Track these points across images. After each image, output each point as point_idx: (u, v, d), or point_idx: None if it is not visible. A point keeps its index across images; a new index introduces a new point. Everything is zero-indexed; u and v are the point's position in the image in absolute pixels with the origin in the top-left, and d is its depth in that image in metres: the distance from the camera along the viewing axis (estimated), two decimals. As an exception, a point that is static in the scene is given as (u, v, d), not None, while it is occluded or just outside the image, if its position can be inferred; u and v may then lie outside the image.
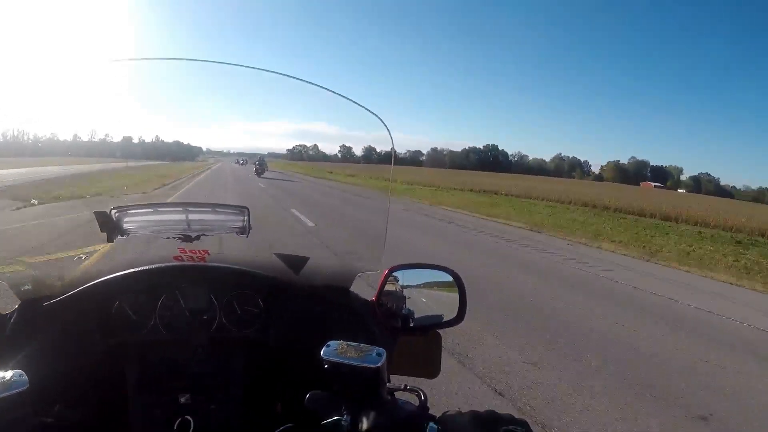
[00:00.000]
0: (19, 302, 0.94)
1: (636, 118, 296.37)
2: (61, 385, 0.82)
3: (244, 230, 1.21)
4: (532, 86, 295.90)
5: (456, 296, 1.03)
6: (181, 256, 1.06)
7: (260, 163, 5.34)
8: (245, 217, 1.21)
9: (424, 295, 1.07)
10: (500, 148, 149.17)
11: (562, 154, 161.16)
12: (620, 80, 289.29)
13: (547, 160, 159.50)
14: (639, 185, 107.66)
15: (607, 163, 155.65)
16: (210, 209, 1.26)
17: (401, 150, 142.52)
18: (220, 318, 0.98)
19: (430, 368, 1.11)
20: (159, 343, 0.95)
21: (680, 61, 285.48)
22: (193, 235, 1.14)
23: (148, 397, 0.91)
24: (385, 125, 1.21)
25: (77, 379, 0.88)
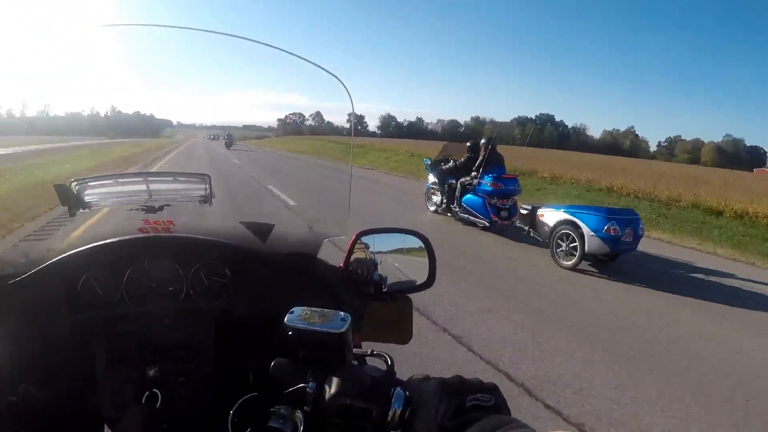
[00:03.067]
0: None
1: (700, 89, 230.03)
2: (27, 364, 0.82)
3: (206, 199, 1.20)
4: (590, 49, 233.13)
5: (425, 260, 1.03)
6: (146, 228, 1.05)
7: (228, 137, 7.25)
8: (207, 185, 1.20)
9: (395, 260, 1.07)
10: (557, 118, 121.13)
11: (619, 129, 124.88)
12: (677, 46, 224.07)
13: (596, 135, 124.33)
14: (752, 171, 63.48)
15: (709, 142, 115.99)
16: (171, 178, 1.25)
17: (431, 120, 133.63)
18: (187, 289, 0.98)
19: (402, 334, 1.12)
20: (126, 317, 0.94)
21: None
22: (157, 205, 1.12)
23: (116, 372, 0.90)
24: (346, 88, 1.18)
25: (44, 357, 0.87)
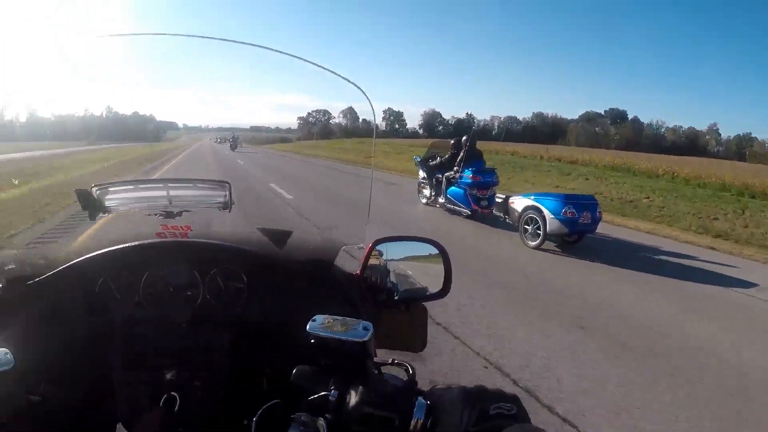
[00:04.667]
0: (2, 282, 0.94)
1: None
2: (46, 364, 0.83)
3: (226, 205, 1.22)
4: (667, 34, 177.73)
5: (440, 268, 1.03)
6: (163, 233, 1.07)
7: (233, 140, 8.05)
8: (226, 192, 1.22)
9: (408, 267, 1.08)
10: (630, 114, 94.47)
11: (694, 127, 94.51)
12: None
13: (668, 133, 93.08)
14: None
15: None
16: (191, 185, 1.27)
17: (484, 117, 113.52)
18: (204, 294, 0.99)
19: (416, 342, 1.13)
20: (143, 320, 0.96)
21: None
22: (176, 211, 1.14)
23: (134, 374, 0.92)
24: (365, 94, 1.19)
25: (63, 357, 0.88)
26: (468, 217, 8.10)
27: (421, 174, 9.49)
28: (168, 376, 0.90)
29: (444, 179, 8.53)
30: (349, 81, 1.16)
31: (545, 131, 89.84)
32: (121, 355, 0.93)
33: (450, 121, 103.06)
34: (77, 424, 0.87)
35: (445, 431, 0.56)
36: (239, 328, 0.98)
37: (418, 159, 9.79)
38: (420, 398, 0.60)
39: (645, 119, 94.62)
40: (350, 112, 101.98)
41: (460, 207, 8.18)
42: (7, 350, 0.67)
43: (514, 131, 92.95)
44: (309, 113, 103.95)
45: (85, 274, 0.95)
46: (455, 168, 8.31)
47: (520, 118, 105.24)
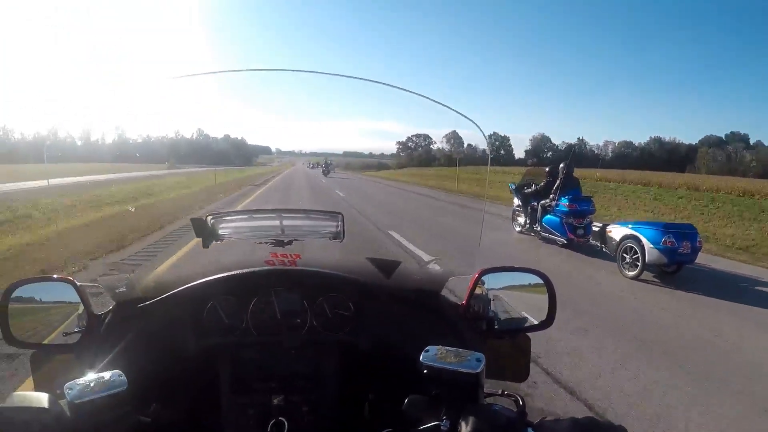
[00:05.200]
0: (114, 304, 0.96)
1: None
2: (157, 385, 0.85)
3: (338, 235, 1.24)
4: None
5: (543, 298, 1.03)
6: (272, 260, 1.08)
7: (326, 165, 8.50)
8: (339, 223, 1.24)
9: (509, 297, 1.07)
10: (752, 138, 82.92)
11: None
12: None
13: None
14: None
15: None
16: (304, 215, 1.29)
17: (596, 142, 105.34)
18: (311, 321, 1.00)
19: (519, 371, 1.11)
20: (251, 345, 0.97)
21: None
22: (286, 240, 1.17)
23: (242, 397, 0.93)
24: (479, 126, 1.21)
25: (172, 379, 0.90)
26: (564, 246, 8.04)
27: (516, 201, 9.61)
28: (275, 401, 0.91)
29: (540, 207, 8.60)
30: (453, 109, 1.18)
31: (663, 157, 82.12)
32: (229, 379, 0.95)
33: (560, 147, 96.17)
34: None
35: None
36: (346, 356, 1.00)
37: (513, 186, 9.94)
38: (530, 430, 0.60)
39: None
40: (454, 137, 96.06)
41: (555, 235, 8.16)
42: (121, 372, 0.68)
43: (630, 157, 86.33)
44: (409, 138, 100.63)
45: (195, 299, 0.97)
46: (551, 196, 8.35)
47: (636, 143, 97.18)
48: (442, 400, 0.68)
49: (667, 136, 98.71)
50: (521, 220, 9.41)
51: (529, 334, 1.08)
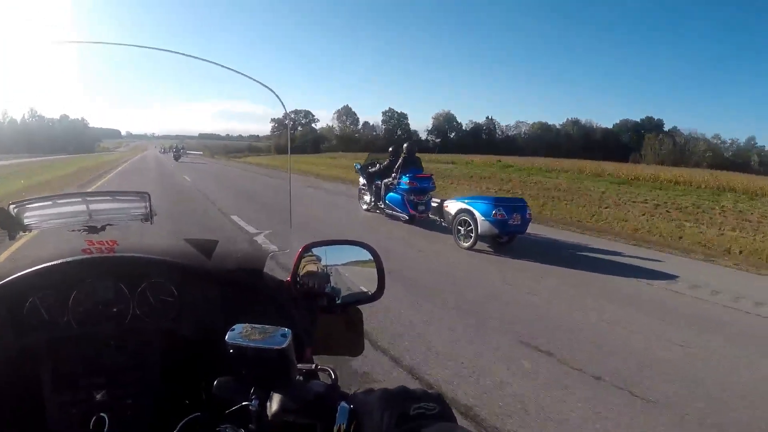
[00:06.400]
0: None
1: None
2: None
3: (147, 217, 1.20)
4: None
5: (374, 271, 1.04)
6: (89, 248, 1.04)
7: (177, 150, 7.92)
8: (146, 203, 1.20)
9: (347, 271, 1.07)
10: (667, 124, 77.56)
11: (737, 139, 75.52)
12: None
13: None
14: None
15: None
16: (110, 197, 1.25)
17: (508, 122, 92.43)
18: (134, 309, 0.98)
19: (354, 346, 1.12)
20: (73, 340, 0.94)
21: None
22: (99, 225, 1.12)
23: (64, 396, 0.90)
24: (278, 97, 1.19)
25: None
26: (406, 221, 8.40)
27: (362, 181, 9.70)
28: (98, 396, 0.89)
29: (383, 185, 8.80)
30: (257, 81, 1.14)
31: (580, 142, 74.13)
32: (50, 377, 0.91)
33: (466, 127, 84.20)
34: None
35: None
36: (169, 343, 0.97)
37: (359, 166, 10.00)
38: (343, 403, 0.60)
39: (684, 128, 75.41)
40: (346, 113, 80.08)
41: (398, 212, 8.46)
42: None
43: (550, 141, 75.55)
44: (285, 114, 69.59)
45: (11, 295, 0.92)
46: (393, 174, 8.60)
47: (557, 125, 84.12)
48: (250, 380, 0.68)
49: (583, 118, 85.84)
50: (367, 198, 9.54)
51: (360, 307, 1.08)
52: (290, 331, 0.69)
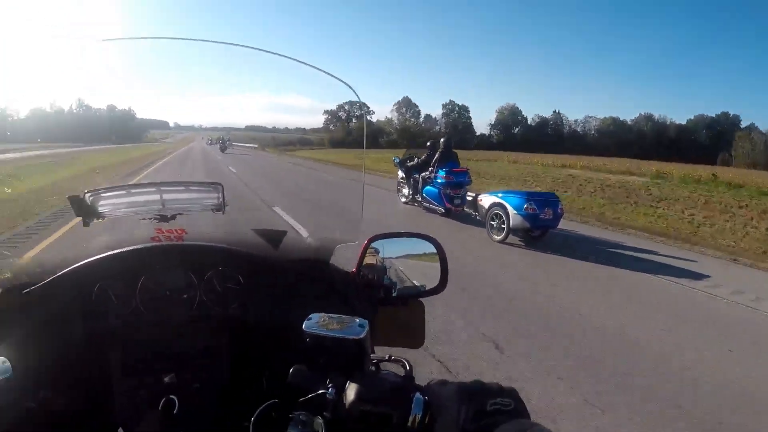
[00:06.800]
0: None
1: None
2: (45, 371, 0.83)
3: (219, 207, 1.22)
4: None
5: (437, 265, 1.05)
6: (158, 236, 1.07)
7: (223, 141, 7.77)
8: (219, 194, 1.22)
9: (404, 264, 1.08)
10: (744, 120, 73.09)
11: None
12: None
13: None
14: None
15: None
16: (183, 188, 1.26)
17: (577, 116, 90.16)
18: (201, 296, 0.99)
19: (414, 338, 1.13)
20: (141, 325, 0.96)
21: None
22: (169, 214, 1.14)
23: (133, 379, 0.92)
24: (356, 94, 1.17)
25: (61, 365, 0.88)
26: (443, 215, 8.55)
27: (400, 174, 9.92)
28: (166, 379, 0.92)
29: (420, 179, 8.99)
30: (337, 78, 1.13)
31: (653, 139, 70.26)
32: (119, 360, 0.93)
33: (532, 121, 79.08)
34: (78, 429, 0.87)
35: (443, 427, 0.56)
36: (237, 330, 0.99)
37: (397, 160, 10.23)
38: (417, 394, 0.61)
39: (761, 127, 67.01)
40: (407, 105, 75.16)
41: (434, 205, 8.62)
42: (5, 359, 0.67)
43: (623, 138, 70.66)
44: (339, 106, 71.34)
45: (82, 281, 0.94)
46: (430, 168, 8.75)
47: (628, 120, 78.90)
48: (327, 368, 0.68)
49: (656, 113, 79.92)
50: (405, 191, 9.76)
51: (422, 299, 1.09)
52: (367, 321, 0.70)
